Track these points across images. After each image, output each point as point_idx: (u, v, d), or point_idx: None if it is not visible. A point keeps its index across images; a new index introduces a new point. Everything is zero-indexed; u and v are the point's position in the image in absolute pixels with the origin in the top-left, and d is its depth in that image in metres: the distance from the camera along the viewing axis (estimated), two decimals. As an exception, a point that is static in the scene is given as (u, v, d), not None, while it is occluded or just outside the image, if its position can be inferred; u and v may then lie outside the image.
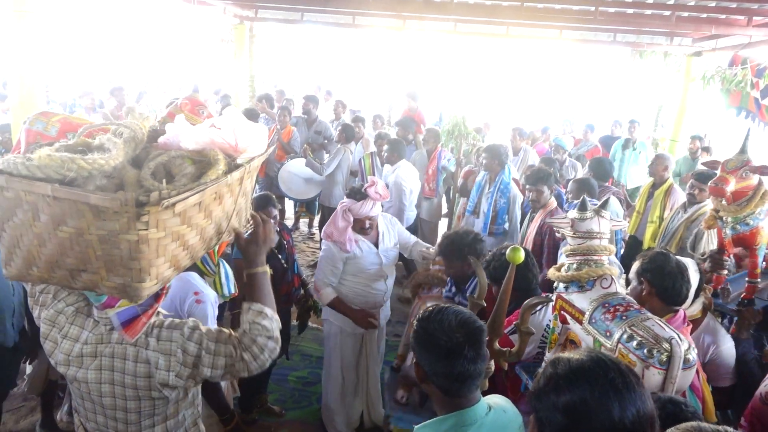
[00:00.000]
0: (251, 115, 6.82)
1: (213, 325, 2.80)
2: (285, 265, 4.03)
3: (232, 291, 3.06)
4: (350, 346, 4.00)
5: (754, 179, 2.86)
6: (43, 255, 1.71)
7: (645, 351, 2.11)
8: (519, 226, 5.45)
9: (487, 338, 1.81)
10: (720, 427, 1.27)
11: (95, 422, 2.02)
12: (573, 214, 2.60)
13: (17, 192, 1.64)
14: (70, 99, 8.93)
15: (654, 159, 6.05)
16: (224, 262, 3.05)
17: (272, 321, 1.95)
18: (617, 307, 2.33)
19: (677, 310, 2.55)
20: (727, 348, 2.91)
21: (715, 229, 3.20)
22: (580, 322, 2.42)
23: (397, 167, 6.04)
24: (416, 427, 1.77)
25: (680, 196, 5.41)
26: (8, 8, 4.74)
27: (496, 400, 1.85)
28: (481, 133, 8.71)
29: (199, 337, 1.91)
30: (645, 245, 5.42)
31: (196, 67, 14.32)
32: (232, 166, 1.90)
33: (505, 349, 2.50)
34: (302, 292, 4.30)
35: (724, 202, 2.94)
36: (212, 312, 2.87)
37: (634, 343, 2.15)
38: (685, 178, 7.69)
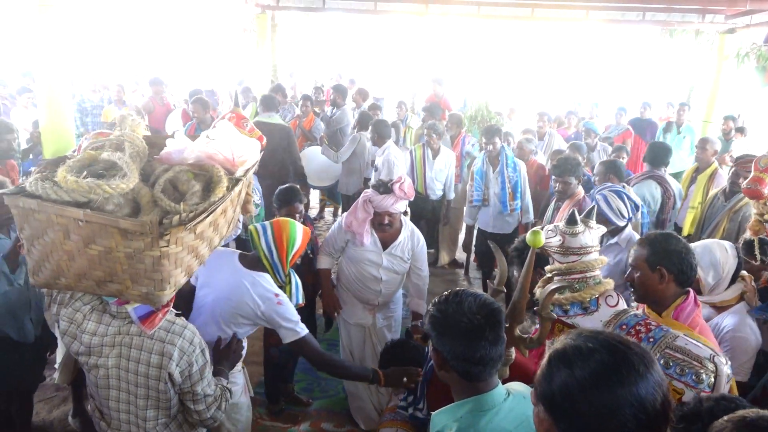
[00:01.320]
0: (269, 102, 6.76)
1: (296, 323, 2.85)
2: (310, 255, 4.00)
3: (300, 301, 3.06)
4: (355, 336, 3.98)
5: None
6: (72, 268, 1.92)
7: (693, 377, 2.00)
8: (531, 202, 5.64)
9: (507, 324, 1.78)
10: None
11: (108, 407, 2.24)
12: (562, 227, 2.47)
13: (48, 215, 1.84)
14: (77, 95, 8.84)
15: (700, 142, 5.82)
16: (294, 272, 3.04)
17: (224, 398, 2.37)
18: (637, 328, 2.20)
19: (689, 291, 2.39)
20: (745, 338, 2.68)
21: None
22: None
23: (386, 148, 6.18)
24: (433, 413, 1.75)
25: (724, 182, 5.07)
26: (32, 2, 4.78)
27: (516, 386, 1.82)
28: (501, 117, 8.55)
29: (207, 358, 2.23)
30: (684, 232, 5.13)
31: (219, 58, 14.38)
32: (233, 181, 2.12)
33: (525, 335, 2.34)
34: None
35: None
36: (294, 312, 2.87)
37: (677, 369, 2.03)
38: (719, 159, 7.46)
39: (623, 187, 3.89)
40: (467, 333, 1.64)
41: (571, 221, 2.45)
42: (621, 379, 1.18)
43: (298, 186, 4.07)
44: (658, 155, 5.10)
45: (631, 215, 3.76)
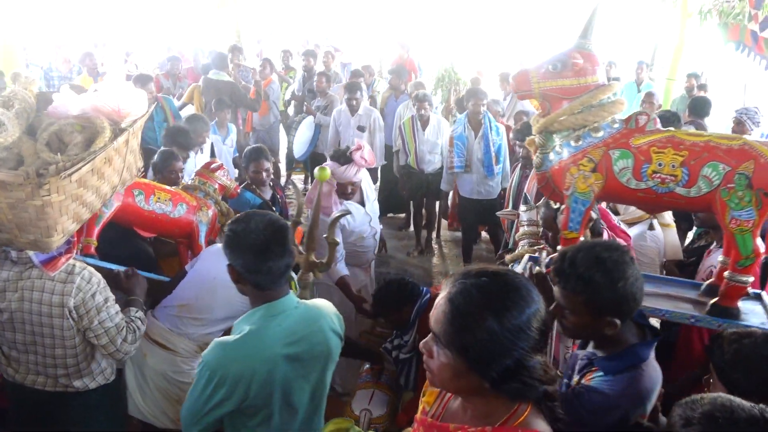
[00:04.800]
0: (219, 61, 7.01)
1: None
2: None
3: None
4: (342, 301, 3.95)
5: None
6: None
7: None
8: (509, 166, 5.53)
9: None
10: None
11: (16, 350, 2.36)
12: (521, 209, 3.10)
13: None
14: (45, 62, 8.56)
15: (646, 96, 6.02)
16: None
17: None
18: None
19: None
20: (644, 244, 3.40)
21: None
22: None
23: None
24: (235, 323, 1.97)
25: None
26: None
27: (317, 302, 2.10)
28: (478, 82, 8.47)
29: (107, 296, 2.35)
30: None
31: (181, 23, 13.95)
32: (117, 131, 2.21)
33: (318, 261, 2.94)
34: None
35: None
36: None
37: None
38: (683, 116, 7.60)
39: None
40: (254, 247, 1.83)
41: (526, 202, 3.06)
42: (530, 299, 1.22)
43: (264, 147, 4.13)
44: (699, 107, 6.11)
45: None
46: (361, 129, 6.37)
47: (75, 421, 2.48)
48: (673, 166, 1.95)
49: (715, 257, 2.92)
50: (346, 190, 3.64)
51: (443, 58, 8.06)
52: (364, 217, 3.80)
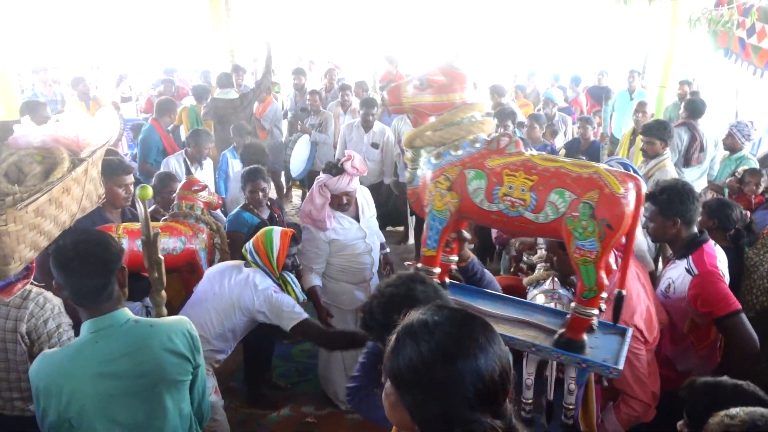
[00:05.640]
0: (224, 80, 7.22)
1: (293, 307, 3.07)
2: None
3: (302, 298, 3.30)
4: (341, 320, 3.92)
5: None
6: None
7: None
8: None
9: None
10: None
11: None
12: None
13: None
14: (28, 84, 8.48)
15: (638, 106, 6.06)
16: (289, 273, 3.29)
17: None
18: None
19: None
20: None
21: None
22: None
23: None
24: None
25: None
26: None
27: (159, 320, 2.14)
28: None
29: (59, 322, 2.39)
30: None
31: (175, 45, 14.02)
32: (76, 161, 2.28)
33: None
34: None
35: None
36: (290, 299, 3.11)
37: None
38: (680, 115, 7.65)
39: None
40: (59, 264, 1.90)
41: None
42: (464, 352, 1.17)
43: (263, 168, 4.17)
44: (695, 109, 6.23)
45: None
46: (374, 146, 6.28)
47: None
48: (523, 190, 1.89)
49: (674, 270, 2.93)
50: (341, 201, 3.66)
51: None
52: (357, 232, 3.79)
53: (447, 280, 2.40)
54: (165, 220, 3.69)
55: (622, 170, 1.91)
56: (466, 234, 2.31)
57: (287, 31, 17.19)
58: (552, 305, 2.57)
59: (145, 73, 11.14)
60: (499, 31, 15.91)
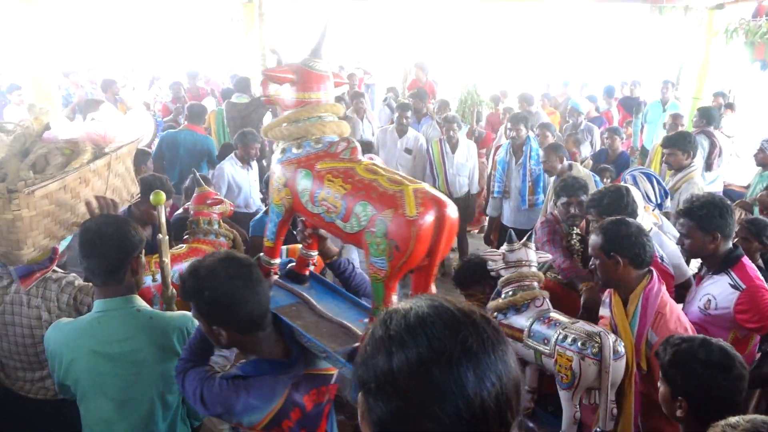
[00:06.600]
0: (241, 84, 7.30)
1: None
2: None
3: None
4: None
5: None
6: None
7: (579, 344, 2.43)
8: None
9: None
10: None
11: (6, 357, 2.52)
12: (504, 248, 2.92)
13: None
14: (62, 89, 8.51)
15: (672, 118, 5.96)
16: None
17: None
18: (551, 318, 2.67)
19: (651, 272, 2.57)
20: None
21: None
22: (521, 340, 2.68)
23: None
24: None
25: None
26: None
27: (164, 314, 2.23)
28: (498, 101, 8.55)
29: (71, 289, 2.45)
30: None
31: (207, 49, 14.28)
32: (97, 155, 2.34)
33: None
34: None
35: None
36: None
37: (569, 339, 2.47)
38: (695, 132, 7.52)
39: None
40: (81, 243, 2.07)
41: (510, 240, 2.91)
42: (443, 358, 0.90)
43: None
44: (711, 116, 6.13)
45: (659, 200, 3.88)
46: (408, 151, 6.23)
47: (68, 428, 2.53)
48: (336, 198, 1.83)
49: (713, 286, 2.82)
50: None
51: (465, 80, 8.12)
52: None
53: (307, 272, 2.31)
54: (187, 239, 3.67)
55: (436, 194, 1.72)
56: (324, 231, 2.24)
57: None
58: (539, 328, 2.62)
59: (162, 78, 11.17)
60: (535, 40, 15.84)
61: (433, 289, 1.81)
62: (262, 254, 2.21)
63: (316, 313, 2.09)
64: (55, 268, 2.53)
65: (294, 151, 2.01)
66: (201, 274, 1.80)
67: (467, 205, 5.97)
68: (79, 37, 13.38)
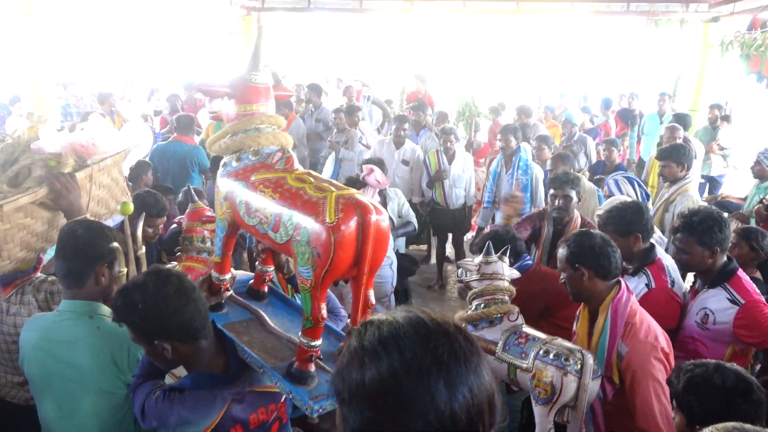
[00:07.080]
0: None
1: None
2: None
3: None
4: None
5: None
6: None
7: (562, 359, 2.34)
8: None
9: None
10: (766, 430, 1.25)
11: None
12: (479, 259, 2.84)
13: None
14: (62, 99, 8.50)
15: (669, 130, 5.95)
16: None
17: None
18: (527, 333, 2.59)
19: (620, 283, 2.53)
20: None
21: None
22: (493, 353, 2.59)
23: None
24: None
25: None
26: (14, 11, 4.76)
27: (109, 329, 2.11)
28: (497, 113, 8.58)
29: (47, 286, 2.43)
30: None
31: (205, 61, 14.31)
32: (79, 167, 2.33)
33: None
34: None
35: None
36: None
37: (551, 355, 2.38)
38: (707, 148, 7.54)
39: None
40: (57, 242, 2.11)
41: (488, 252, 2.82)
42: (414, 369, 0.90)
43: None
44: (686, 122, 6.50)
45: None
46: (405, 163, 6.24)
47: None
48: (266, 208, 1.78)
49: (710, 300, 2.79)
50: None
51: (463, 92, 8.16)
52: None
53: (266, 288, 2.28)
54: (179, 256, 3.60)
55: (361, 200, 1.65)
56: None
57: (317, 49, 17.45)
58: (515, 342, 2.55)
59: (162, 90, 11.16)
60: (531, 53, 15.94)
61: (372, 299, 1.75)
62: (212, 271, 2.16)
63: (266, 329, 2.05)
64: (39, 274, 2.53)
65: (233, 164, 1.98)
66: (130, 291, 1.79)
67: (463, 216, 6.00)
68: (78, 50, 13.40)
